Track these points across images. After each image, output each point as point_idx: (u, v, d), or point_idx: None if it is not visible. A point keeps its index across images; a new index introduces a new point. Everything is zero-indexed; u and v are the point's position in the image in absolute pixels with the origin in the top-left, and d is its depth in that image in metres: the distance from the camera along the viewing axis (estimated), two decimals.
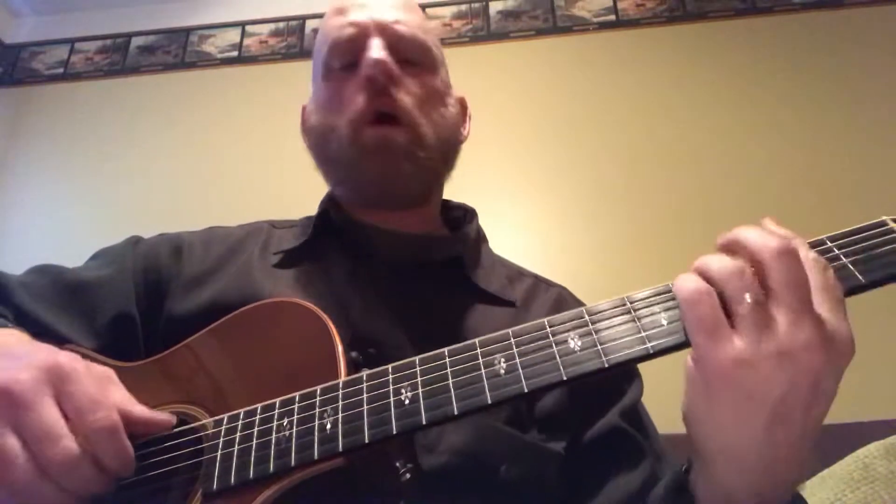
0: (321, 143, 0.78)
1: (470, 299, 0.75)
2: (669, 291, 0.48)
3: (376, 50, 0.73)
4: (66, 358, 0.51)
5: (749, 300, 0.41)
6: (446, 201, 0.91)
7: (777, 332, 0.41)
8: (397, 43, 0.76)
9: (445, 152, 0.79)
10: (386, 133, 0.72)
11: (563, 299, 0.82)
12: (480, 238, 0.86)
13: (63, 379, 0.49)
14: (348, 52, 0.76)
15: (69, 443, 0.47)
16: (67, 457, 0.46)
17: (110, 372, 0.54)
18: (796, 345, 0.40)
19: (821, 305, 0.42)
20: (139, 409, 0.53)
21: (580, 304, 0.83)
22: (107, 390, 0.51)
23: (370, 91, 0.73)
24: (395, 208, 0.78)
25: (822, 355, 0.40)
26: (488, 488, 0.62)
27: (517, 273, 0.85)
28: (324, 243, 0.78)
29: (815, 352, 0.40)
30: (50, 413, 0.47)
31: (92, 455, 0.48)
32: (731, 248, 0.45)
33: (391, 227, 0.77)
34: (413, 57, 0.77)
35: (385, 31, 0.76)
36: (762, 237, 0.43)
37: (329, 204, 0.81)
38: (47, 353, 0.51)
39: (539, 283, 0.84)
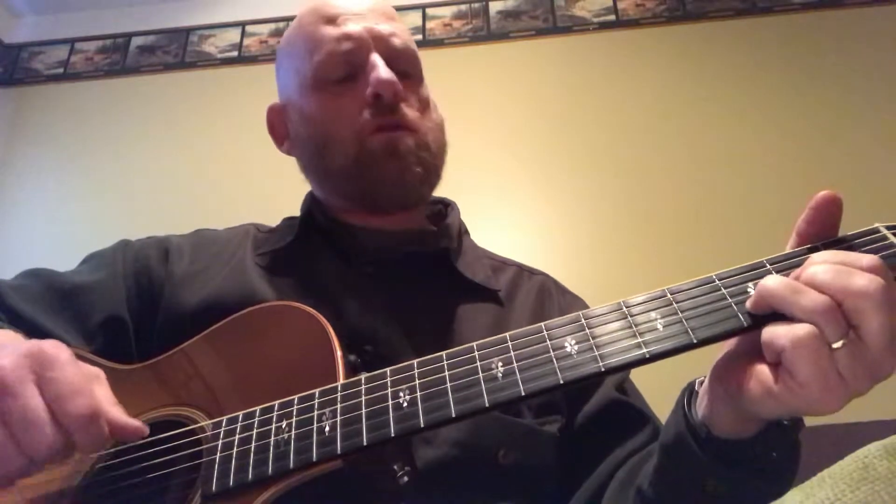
0: (318, 155, 0.79)
1: (457, 291, 0.77)
2: (665, 296, 0.48)
3: (384, 69, 0.74)
4: (49, 345, 0.51)
5: (848, 340, 0.42)
6: None
7: (864, 368, 0.42)
8: (394, 56, 0.77)
9: (443, 156, 0.81)
10: (393, 137, 0.74)
11: (546, 288, 0.83)
12: (462, 231, 0.88)
13: (45, 364, 0.49)
14: (346, 64, 0.77)
15: (50, 429, 0.47)
16: (51, 443, 0.47)
17: (99, 372, 0.54)
18: (875, 377, 0.43)
19: None
20: (115, 412, 0.52)
21: (564, 291, 0.86)
22: (91, 384, 0.51)
23: (378, 108, 0.74)
24: (398, 211, 0.78)
25: (889, 375, 0.43)
26: (488, 475, 0.63)
27: (500, 263, 0.87)
28: (309, 244, 0.79)
29: (886, 375, 0.43)
30: (32, 399, 0.47)
31: (72, 441, 0.48)
32: (809, 283, 0.44)
33: (377, 227, 0.79)
34: (408, 69, 0.79)
35: (383, 44, 0.77)
36: (842, 277, 0.42)
37: (312, 205, 0.82)
38: (32, 342, 0.51)
39: (522, 272, 0.86)
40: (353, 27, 0.77)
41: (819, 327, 0.42)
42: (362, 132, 0.74)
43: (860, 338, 0.42)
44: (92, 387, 0.51)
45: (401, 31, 0.80)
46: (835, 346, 0.42)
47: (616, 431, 0.70)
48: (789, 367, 0.43)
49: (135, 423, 0.53)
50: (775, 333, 0.43)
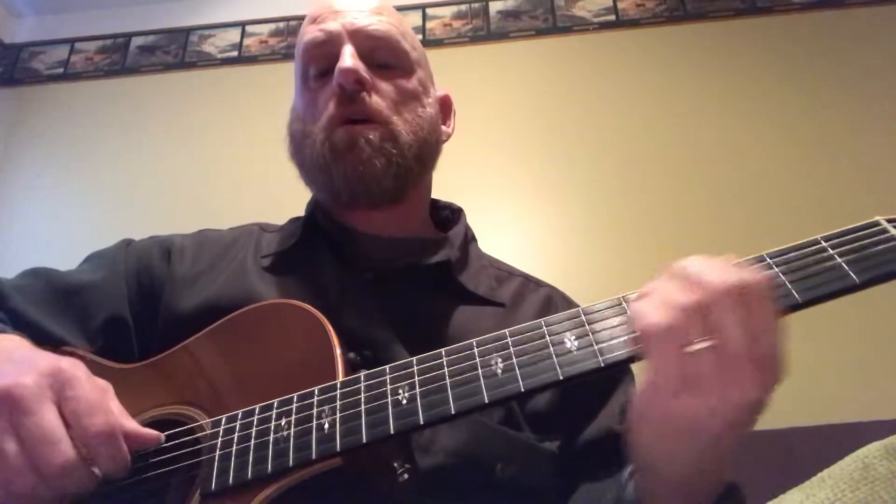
0: (298, 150, 0.79)
1: (459, 301, 0.75)
2: None
3: (347, 58, 0.73)
4: (67, 364, 0.51)
5: (708, 345, 0.42)
6: (434, 201, 0.90)
7: (726, 375, 0.42)
8: (370, 48, 0.76)
9: (420, 151, 0.78)
10: (356, 130, 0.73)
11: (551, 300, 0.82)
12: (468, 239, 0.86)
13: (64, 384, 0.50)
14: (322, 58, 0.77)
15: (67, 447, 0.47)
16: (64, 461, 0.47)
17: (108, 385, 0.54)
18: (742, 388, 0.42)
19: (764, 344, 0.43)
20: (131, 424, 0.53)
21: (570, 303, 0.83)
22: (105, 400, 0.52)
23: (341, 98, 0.73)
24: (369, 206, 0.77)
25: (760, 393, 0.43)
26: (485, 487, 0.62)
27: (506, 273, 0.85)
28: (312, 246, 0.78)
29: (756, 391, 0.42)
30: (50, 417, 0.48)
31: (89, 459, 0.49)
32: (684, 279, 0.45)
33: (378, 231, 0.77)
34: (387, 60, 0.78)
35: (357, 36, 0.76)
36: (717, 275, 0.44)
37: (315, 207, 0.81)
38: (49, 359, 0.52)
39: (528, 282, 0.84)
40: (331, 24, 0.77)
41: (681, 324, 0.43)
42: (329, 125, 0.74)
43: (722, 342, 0.42)
44: (107, 403, 0.52)
45: (383, 23, 0.78)
46: (695, 347, 0.42)
47: (609, 464, 0.68)
48: (645, 355, 0.44)
49: (151, 432, 0.54)
50: (638, 312, 0.45)
